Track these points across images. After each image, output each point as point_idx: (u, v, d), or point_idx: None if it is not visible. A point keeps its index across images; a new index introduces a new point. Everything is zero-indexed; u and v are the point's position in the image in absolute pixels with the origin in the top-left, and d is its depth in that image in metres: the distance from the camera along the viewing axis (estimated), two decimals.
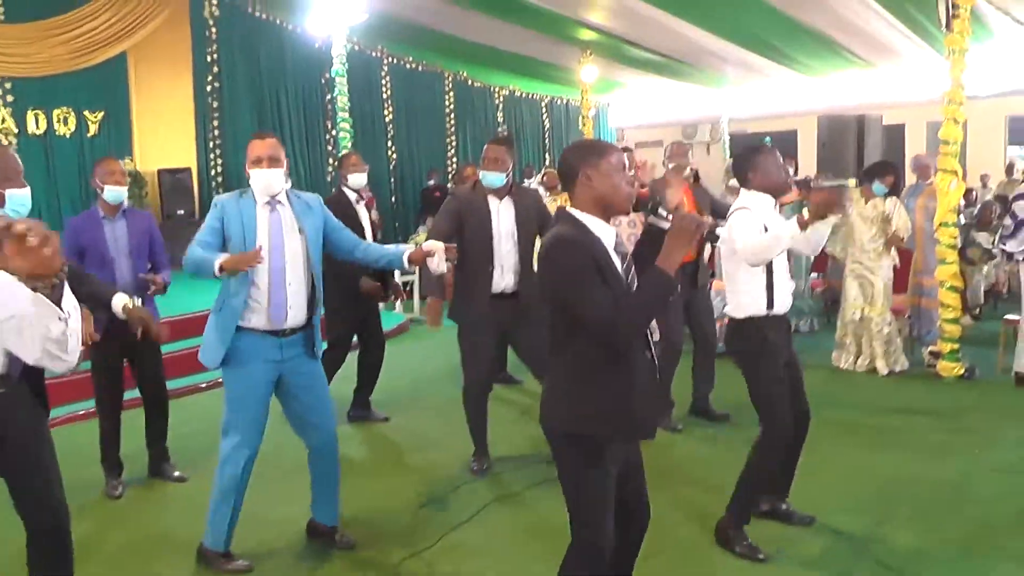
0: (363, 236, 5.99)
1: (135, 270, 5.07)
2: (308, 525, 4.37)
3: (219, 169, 13.64)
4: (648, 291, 2.67)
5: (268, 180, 3.94)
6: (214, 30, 13.42)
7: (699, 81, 16.62)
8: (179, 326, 6.99)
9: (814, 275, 9.76)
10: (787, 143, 17.38)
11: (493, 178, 5.09)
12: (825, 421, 5.96)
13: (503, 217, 5.13)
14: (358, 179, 6.40)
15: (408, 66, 16.71)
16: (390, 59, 16.33)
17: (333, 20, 10.20)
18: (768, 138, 17.54)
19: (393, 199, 16.40)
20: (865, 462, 5.27)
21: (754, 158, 4.15)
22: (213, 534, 4.06)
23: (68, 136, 12.03)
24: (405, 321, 10.31)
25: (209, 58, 13.41)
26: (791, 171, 8.99)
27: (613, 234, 2.80)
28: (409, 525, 4.55)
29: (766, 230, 3.98)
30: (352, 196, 6.34)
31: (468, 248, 4.99)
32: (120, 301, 4.03)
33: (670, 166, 6.03)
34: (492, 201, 5.12)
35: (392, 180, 16.48)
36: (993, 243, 8.57)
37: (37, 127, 11.67)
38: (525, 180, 15.37)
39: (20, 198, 3.16)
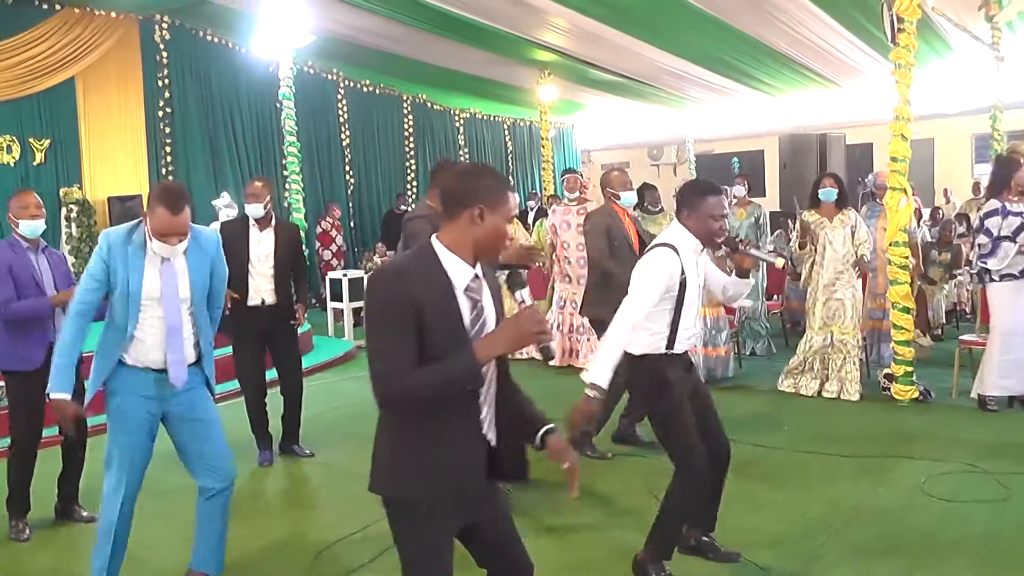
0: (248, 261, 5.79)
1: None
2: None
3: None
4: (445, 372, 2.33)
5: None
6: (165, 54, 13.16)
7: (663, 102, 16.47)
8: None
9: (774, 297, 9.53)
10: (754, 163, 17.25)
11: None
12: (769, 449, 5.77)
13: None
14: (252, 210, 5.91)
15: (365, 89, 16.49)
16: (346, 82, 16.12)
17: (278, 42, 9.97)
18: (735, 159, 17.44)
19: (352, 223, 16.16)
20: (805, 492, 5.03)
21: (695, 199, 3.73)
22: None
23: (12, 164, 11.69)
24: (352, 348, 10.01)
25: (160, 83, 13.15)
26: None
27: (469, 275, 2.42)
28: (306, 569, 4.26)
29: (683, 273, 3.65)
30: (251, 221, 5.94)
31: None
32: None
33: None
34: None
35: (350, 205, 16.23)
36: (970, 263, 8.25)
37: None
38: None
39: None
